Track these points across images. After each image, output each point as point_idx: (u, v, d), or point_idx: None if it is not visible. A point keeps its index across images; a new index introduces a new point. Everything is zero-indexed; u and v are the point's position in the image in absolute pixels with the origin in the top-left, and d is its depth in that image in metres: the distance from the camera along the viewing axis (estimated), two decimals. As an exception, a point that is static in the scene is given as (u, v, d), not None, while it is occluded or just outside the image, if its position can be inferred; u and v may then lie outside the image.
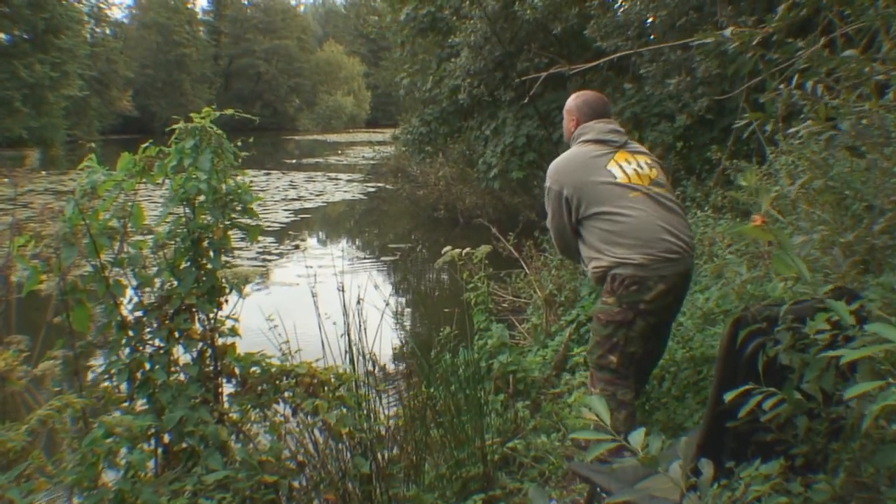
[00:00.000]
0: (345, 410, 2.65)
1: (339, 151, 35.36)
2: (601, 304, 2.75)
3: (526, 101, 8.75)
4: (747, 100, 5.68)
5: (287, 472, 2.52)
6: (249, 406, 2.66)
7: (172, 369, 2.58)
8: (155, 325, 2.61)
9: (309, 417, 2.66)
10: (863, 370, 1.32)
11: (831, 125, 2.45)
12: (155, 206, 3.65)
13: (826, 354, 1.40)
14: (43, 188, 17.50)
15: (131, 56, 49.52)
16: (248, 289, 2.67)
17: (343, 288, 2.89)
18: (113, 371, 2.53)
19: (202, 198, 2.63)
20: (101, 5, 45.44)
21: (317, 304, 2.88)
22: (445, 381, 3.05)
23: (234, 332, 2.70)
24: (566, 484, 2.95)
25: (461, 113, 11.54)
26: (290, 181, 21.36)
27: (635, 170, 2.78)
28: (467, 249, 4.07)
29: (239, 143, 2.74)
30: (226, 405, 2.70)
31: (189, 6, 55.93)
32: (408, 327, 6.80)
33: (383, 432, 2.89)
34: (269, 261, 10.60)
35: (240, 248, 9.80)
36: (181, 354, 2.64)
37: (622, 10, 7.74)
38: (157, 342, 2.60)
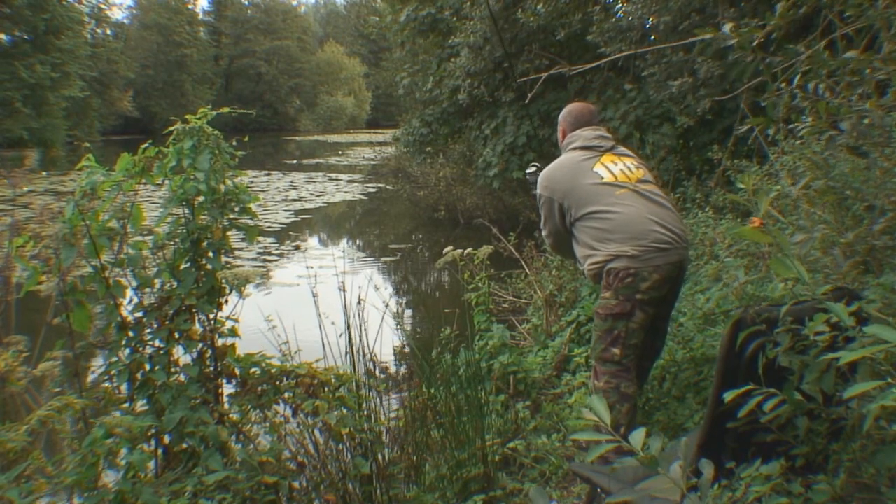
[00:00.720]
0: (345, 411, 2.66)
1: (340, 152, 35.39)
2: (600, 299, 2.81)
3: (527, 101, 8.75)
4: (748, 101, 5.66)
5: (287, 472, 2.52)
6: (249, 407, 2.66)
7: (172, 370, 2.58)
8: (155, 326, 2.61)
9: (309, 418, 2.66)
10: (863, 371, 1.32)
11: (832, 124, 2.44)
12: (155, 206, 3.65)
13: (826, 357, 1.39)
14: (43, 189, 17.48)
15: (132, 57, 49.44)
16: (248, 289, 2.67)
17: (343, 288, 2.90)
18: (113, 372, 2.53)
19: (201, 198, 2.63)
20: (102, 6, 45.37)
21: (317, 304, 2.89)
22: (446, 381, 3.05)
23: (234, 332, 2.70)
24: (567, 484, 2.95)
25: (461, 113, 11.52)
26: (291, 182, 21.37)
27: (622, 170, 2.89)
28: (469, 250, 4.07)
29: (234, 143, 2.74)
30: (226, 406, 2.70)
31: (190, 7, 55.95)
32: (408, 328, 6.79)
33: (384, 433, 2.89)
34: (270, 261, 10.59)
35: (240, 249, 9.81)
36: (181, 355, 2.64)
37: (624, 11, 7.73)
38: (157, 343, 2.60)
